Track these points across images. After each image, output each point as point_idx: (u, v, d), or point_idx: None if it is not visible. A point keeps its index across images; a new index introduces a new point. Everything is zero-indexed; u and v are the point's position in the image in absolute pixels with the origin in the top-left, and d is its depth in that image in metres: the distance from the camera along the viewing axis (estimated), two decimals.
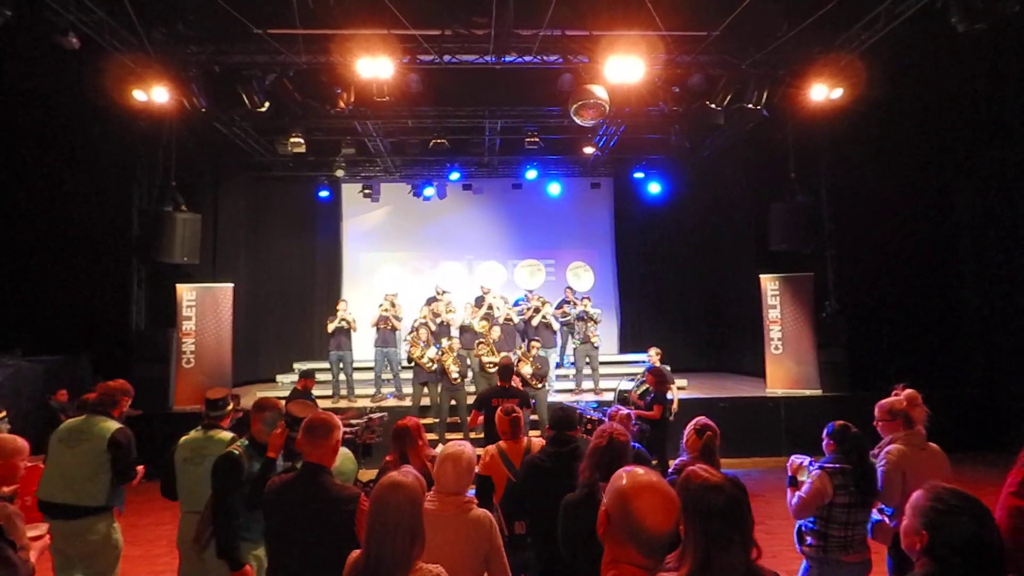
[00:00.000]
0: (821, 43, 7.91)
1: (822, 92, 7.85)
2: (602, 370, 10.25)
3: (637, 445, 3.98)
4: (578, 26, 7.69)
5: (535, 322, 9.89)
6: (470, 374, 9.10)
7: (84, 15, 6.86)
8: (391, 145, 11.77)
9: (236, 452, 3.19)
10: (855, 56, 7.80)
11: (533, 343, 8.62)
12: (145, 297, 9.86)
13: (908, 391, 3.68)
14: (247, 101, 7.83)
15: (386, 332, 9.79)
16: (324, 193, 13.15)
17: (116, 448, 3.65)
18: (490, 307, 9.98)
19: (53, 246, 10.02)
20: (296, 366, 11.34)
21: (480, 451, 3.59)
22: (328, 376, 9.88)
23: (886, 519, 3.34)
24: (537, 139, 10.79)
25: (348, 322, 9.81)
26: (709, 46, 7.78)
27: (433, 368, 8.66)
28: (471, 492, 2.78)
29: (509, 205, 13.72)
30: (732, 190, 12.99)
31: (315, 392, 7.87)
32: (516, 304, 10.69)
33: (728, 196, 13.16)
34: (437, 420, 8.65)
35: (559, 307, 10.73)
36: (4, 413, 3.73)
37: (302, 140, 9.99)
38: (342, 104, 8.22)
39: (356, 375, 10.01)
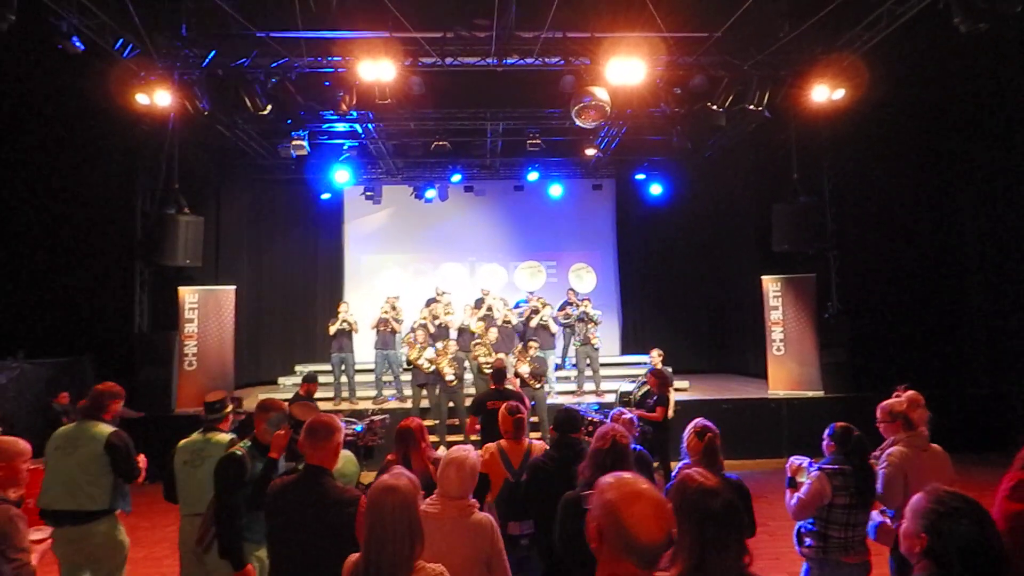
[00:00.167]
0: (823, 44, 7.90)
1: (824, 93, 7.84)
2: (604, 371, 10.24)
3: (639, 447, 3.97)
4: (579, 28, 7.71)
5: (533, 323, 9.90)
6: (469, 376, 9.10)
7: (87, 19, 6.89)
8: (393, 147, 11.79)
9: (239, 453, 3.21)
10: (857, 57, 7.79)
11: (531, 343, 8.63)
12: (148, 300, 9.89)
13: (910, 393, 3.67)
14: (249, 104, 7.85)
15: (386, 334, 9.79)
16: (326, 195, 13.17)
17: (114, 451, 3.65)
18: (489, 308, 9.99)
19: (56, 249, 10.05)
20: (298, 368, 11.35)
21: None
22: (330, 378, 9.89)
23: (888, 520, 3.33)
24: (539, 141, 10.79)
25: (350, 324, 9.82)
26: (711, 47, 7.78)
27: (430, 370, 8.67)
28: None
29: (511, 207, 13.72)
30: (734, 191, 12.98)
31: (317, 395, 7.87)
32: (517, 306, 10.70)
33: (730, 197, 13.15)
34: (438, 421, 8.65)
35: (561, 308, 10.73)
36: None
37: (304, 143, 10.01)
38: (344, 107, 8.23)
39: (358, 377, 10.02)
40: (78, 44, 6.71)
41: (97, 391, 3.89)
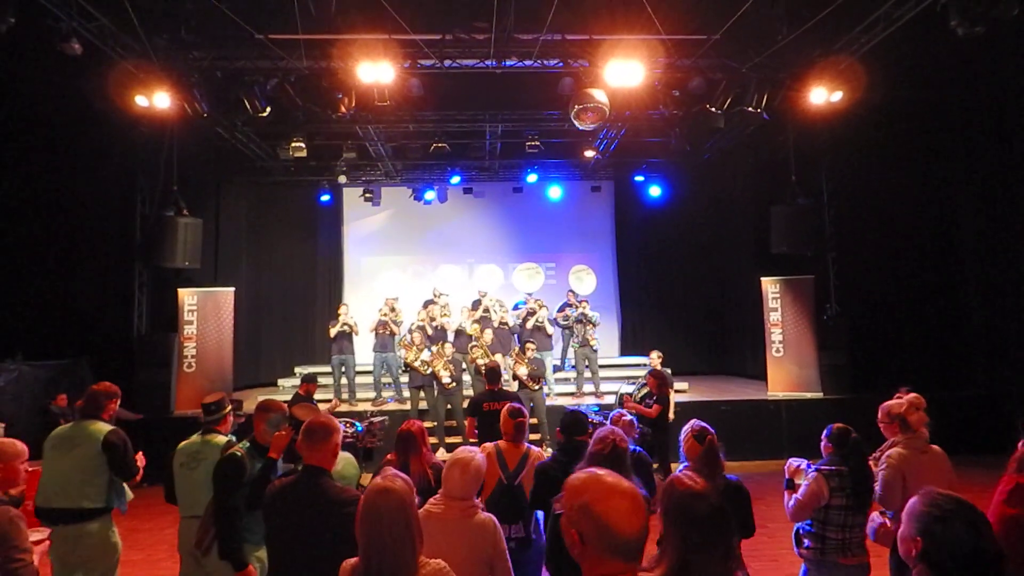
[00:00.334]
0: (821, 46, 7.92)
1: (822, 95, 7.86)
2: (603, 373, 10.25)
3: (639, 448, 3.98)
4: (578, 30, 7.72)
5: (529, 325, 9.90)
6: (467, 377, 9.10)
7: (87, 21, 6.89)
8: (392, 149, 11.79)
9: (238, 454, 3.21)
10: (855, 59, 7.81)
11: (528, 345, 8.64)
12: (147, 301, 9.89)
13: (911, 396, 3.66)
14: (249, 106, 7.86)
15: (384, 337, 9.78)
16: (325, 197, 13.18)
17: (112, 449, 3.66)
18: (486, 310, 9.99)
19: (55, 251, 10.04)
20: (297, 370, 11.34)
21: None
22: (329, 380, 9.89)
23: (888, 521, 3.34)
24: (538, 143, 10.81)
25: (350, 326, 9.82)
26: (709, 50, 7.80)
27: (427, 372, 8.67)
28: None
29: (510, 209, 13.73)
30: (733, 193, 12.99)
31: (316, 396, 7.87)
32: (516, 307, 10.70)
33: (729, 199, 13.16)
34: (435, 423, 8.65)
35: (561, 310, 10.73)
36: (2, 425, 3.71)
37: (303, 145, 10.02)
38: (343, 109, 8.23)
39: (357, 379, 10.02)
40: (77, 46, 6.71)
41: (93, 391, 3.89)
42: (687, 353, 12.69)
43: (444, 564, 1.95)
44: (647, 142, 11.60)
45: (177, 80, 7.67)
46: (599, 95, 7.75)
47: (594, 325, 9.96)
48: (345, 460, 3.44)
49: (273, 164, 11.92)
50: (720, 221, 13.47)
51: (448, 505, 2.58)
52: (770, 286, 10.15)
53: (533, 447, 3.80)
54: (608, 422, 4.15)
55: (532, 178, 12.74)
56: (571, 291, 11.44)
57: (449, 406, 8.73)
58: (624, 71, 7.12)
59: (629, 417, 4.25)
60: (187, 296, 9.95)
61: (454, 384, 8.56)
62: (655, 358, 8.26)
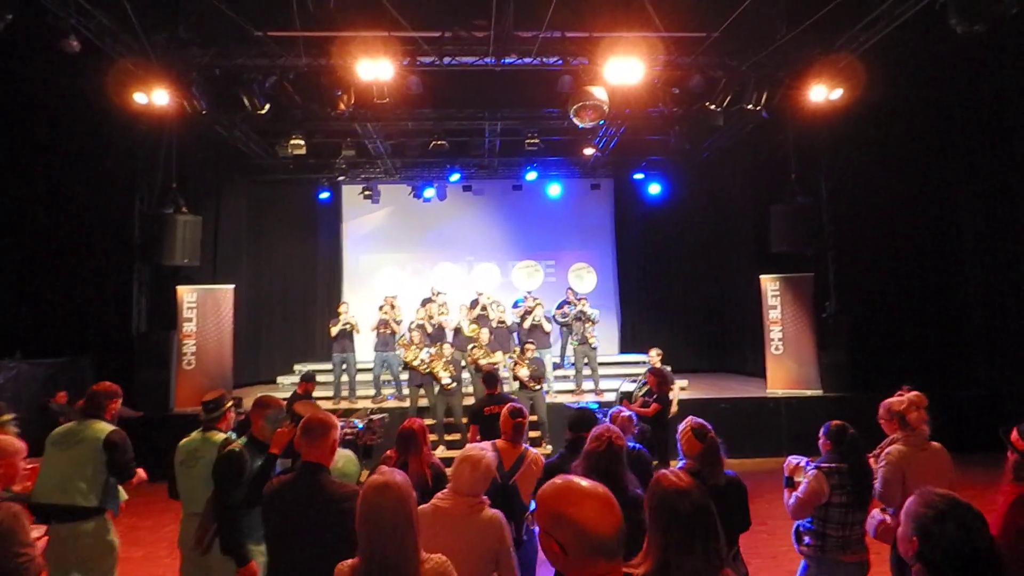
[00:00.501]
0: (821, 44, 7.91)
1: (822, 93, 7.85)
2: (603, 371, 10.24)
3: (638, 446, 3.98)
4: (578, 28, 7.71)
5: (527, 325, 9.89)
6: (467, 376, 9.09)
7: (85, 19, 6.87)
8: (391, 147, 11.78)
9: (237, 449, 3.22)
10: (855, 57, 7.80)
11: (528, 346, 8.62)
12: (146, 299, 9.88)
13: (913, 393, 3.65)
14: (247, 104, 7.85)
15: (385, 335, 9.77)
16: (324, 195, 13.17)
17: (112, 449, 3.65)
18: (483, 308, 9.98)
19: (54, 248, 10.02)
20: (297, 368, 11.35)
21: None
22: (329, 377, 9.89)
23: (887, 518, 3.34)
24: (537, 140, 10.80)
25: (352, 324, 9.82)
26: (709, 48, 7.79)
27: (427, 371, 8.67)
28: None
29: (509, 206, 13.72)
30: (732, 191, 12.99)
31: (316, 393, 7.87)
32: (516, 305, 10.70)
33: (728, 197, 13.16)
34: (435, 421, 8.65)
35: (559, 307, 10.73)
36: (13, 415, 3.71)
37: (302, 142, 10.00)
38: (342, 106, 8.22)
39: (357, 376, 10.02)
40: (76, 44, 6.69)
41: (94, 391, 3.89)
42: (686, 351, 12.69)
43: (445, 559, 1.96)
44: (647, 140, 11.60)
45: (176, 78, 7.65)
46: (598, 93, 7.74)
47: (593, 323, 9.95)
48: (345, 457, 3.45)
49: (272, 162, 11.91)
50: (719, 219, 13.47)
51: (456, 501, 2.60)
52: (769, 284, 10.15)
53: (531, 448, 3.80)
54: (607, 419, 4.15)
55: (531, 176, 12.73)
56: (570, 289, 11.44)
57: (448, 406, 8.72)
58: (624, 69, 7.10)
59: (628, 413, 4.24)
60: (186, 294, 9.94)
61: (454, 384, 8.55)
62: (654, 356, 8.26)
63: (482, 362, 8.61)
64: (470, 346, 9.02)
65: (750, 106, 8.10)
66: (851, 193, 10.13)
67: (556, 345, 11.04)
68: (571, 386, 10.15)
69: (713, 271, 13.62)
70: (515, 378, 8.51)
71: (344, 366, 9.80)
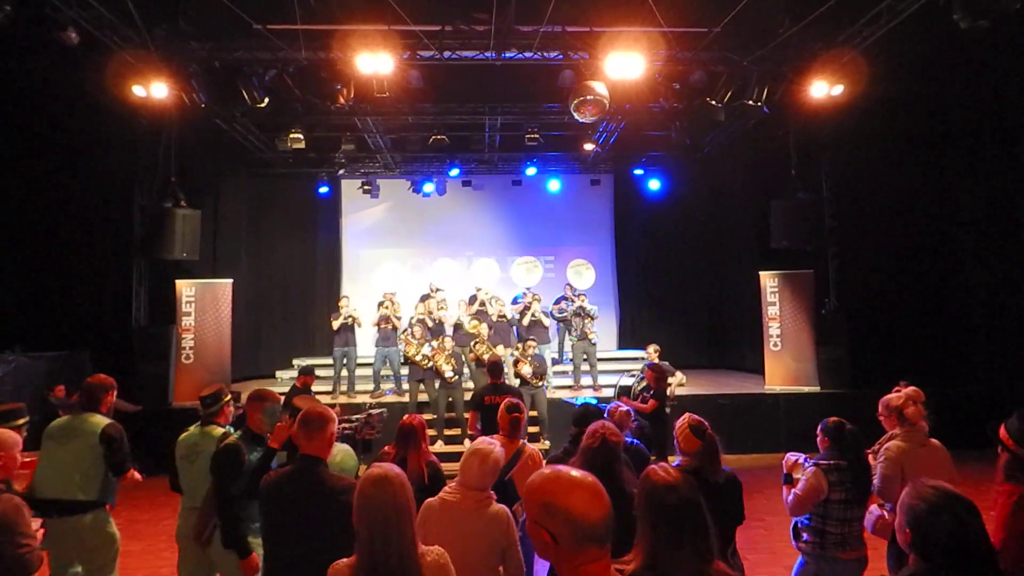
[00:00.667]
0: (823, 40, 7.88)
1: (823, 89, 7.82)
2: (602, 366, 10.23)
3: (636, 441, 3.98)
4: (579, 22, 7.67)
5: (526, 321, 9.88)
6: (467, 371, 9.10)
7: (84, 11, 6.83)
8: (391, 141, 11.74)
9: (234, 443, 3.22)
10: (857, 53, 7.76)
11: (529, 342, 8.61)
12: (145, 293, 9.87)
13: (910, 389, 3.67)
14: (247, 97, 7.81)
15: (387, 331, 9.77)
16: (324, 189, 13.14)
17: (109, 442, 3.66)
18: (482, 304, 9.97)
19: (54, 242, 10.02)
20: (296, 362, 11.33)
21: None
22: (329, 372, 9.88)
23: (886, 513, 3.34)
24: (537, 135, 10.76)
25: (354, 318, 9.81)
26: (710, 42, 7.76)
27: (428, 366, 8.67)
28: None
29: (509, 202, 13.68)
30: (733, 187, 12.98)
31: (315, 388, 7.88)
32: (515, 301, 10.70)
33: (729, 193, 13.14)
34: (435, 416, 8.66)
35: (557, 303, 10.72)
36: (27, 419, 3.65)
37: (302, 136, 9.98)
38: (342, 100, 8.18)
39: (357, 371, 10.02)
40: (75, 36, 6.66)
41: (89, 384, 3.90)
42: (685, 347, 12.68)
43: (443, 551, 1.96)
44: (647, 135, 11.56)
45: (175, 71, 7.62)
46: (599, 88, 7.71)
47: (592, 318, 9.94)
48: (344, 452, 3.45)
49: (272, 156, 11.88)
50: (720, 215, 13.45)
51: (464, 494, 2.61)
52: (769, 280, 10.15)
53: (528, 444, 3.80)
54: (605, 414, 4.14)
55: (531, 171, 12.70)
56: (568, 284, 11.42)
57: (450, 399, 8.73)
58: (624, 64, 7.07)
59: (626, 408, 4.24)
60: (185, 288, 9.93)
61: (456, 378, 8.57)
62: (652, 352, 8.26)
63: (485, 357, 8.61)
64: (472, 342, 9.02)
65: (751, 101, 8.06)
66: (852, 189, 10.12)
67: (554, 341, 11.05)
68: (569, 381, 10.15)
69: (713, 267, 13.61)
70: (517, 375, 8.51)
71: (345, 360, 9.80)
